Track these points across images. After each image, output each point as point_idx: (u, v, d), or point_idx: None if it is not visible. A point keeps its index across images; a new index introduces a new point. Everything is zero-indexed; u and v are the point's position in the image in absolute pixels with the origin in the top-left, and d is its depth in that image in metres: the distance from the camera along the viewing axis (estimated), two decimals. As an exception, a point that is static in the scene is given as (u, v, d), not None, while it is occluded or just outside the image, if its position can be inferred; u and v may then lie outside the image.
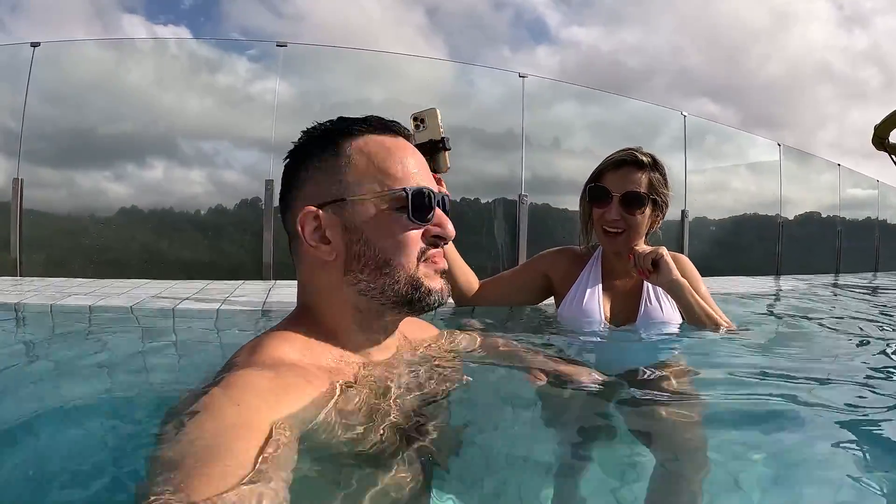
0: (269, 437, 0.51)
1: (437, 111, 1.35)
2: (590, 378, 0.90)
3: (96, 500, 0.57)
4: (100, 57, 4.77)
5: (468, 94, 5.84)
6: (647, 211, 1.42)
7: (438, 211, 0.75)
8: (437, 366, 0.86)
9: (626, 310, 1.47)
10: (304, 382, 0.63)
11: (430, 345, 0.94)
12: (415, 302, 0.74)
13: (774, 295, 3.17)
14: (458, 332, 1.11)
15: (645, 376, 1.02)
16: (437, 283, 0.75)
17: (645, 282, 1.47)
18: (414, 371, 0.81)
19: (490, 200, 5.19)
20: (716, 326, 1.33)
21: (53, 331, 1.71)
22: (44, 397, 0.93)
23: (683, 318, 1.41)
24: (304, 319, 0.76)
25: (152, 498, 0.42)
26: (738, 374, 1.04)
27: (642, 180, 1.40)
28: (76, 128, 4.65)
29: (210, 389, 0.58)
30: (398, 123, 0.79)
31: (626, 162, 1.42)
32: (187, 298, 2.27)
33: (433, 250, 0.75)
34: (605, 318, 1.46)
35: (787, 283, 4.38)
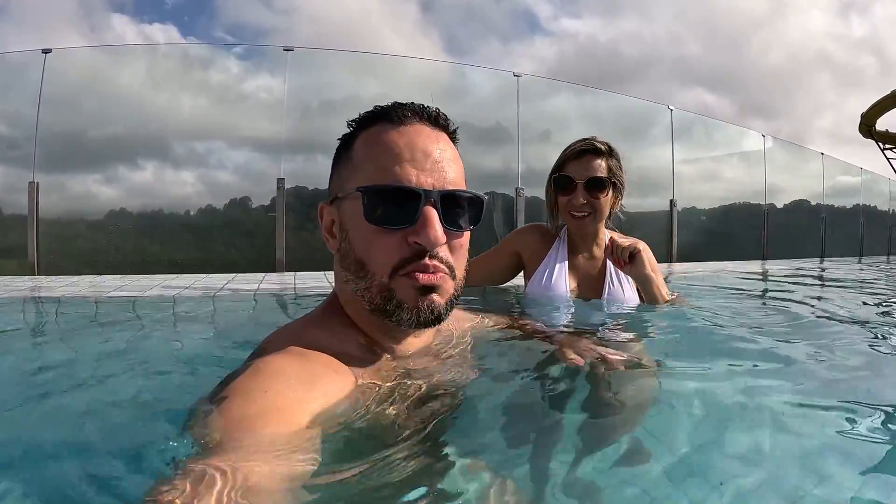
0: (295, 424, 0.51)
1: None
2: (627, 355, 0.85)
3: (117, 483, 0.57)
4: (94, 60, 4.81)
5: (463, 89, 5.91)
6: (609, 194, 1.52)
7: (426, 214, 0.64)
8: (465, 356, 0.82)
9: (590, 289, 1.58)
10: (331, 371, 0.62)
11: (462, 333, 0.89)
12: (388, 313, 0.66)
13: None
14: (483, 316, 1.04)
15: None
16: (412, 300, 0.65)
17: (608, 265, 1.58)
18: (441, 361, 0.77)
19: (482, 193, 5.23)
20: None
21: (97, 319, 1.78)
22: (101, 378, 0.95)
23: (642, 301, 1.54)
24: (334, 308, 0.73)
25: (176, 476, 0.42)
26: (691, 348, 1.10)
27: (602, 166, 1.50)
28: (80, 131, 4.72)
29: (239, 375, 0.57)
30: (410, 105, 0.69)
31: (587, 151, 1.52)
32: (221, 289, 2.42)
33: (413, 264, 0.64)
34: (571, 295, 1.56)
35: (757, 267, 4.51)
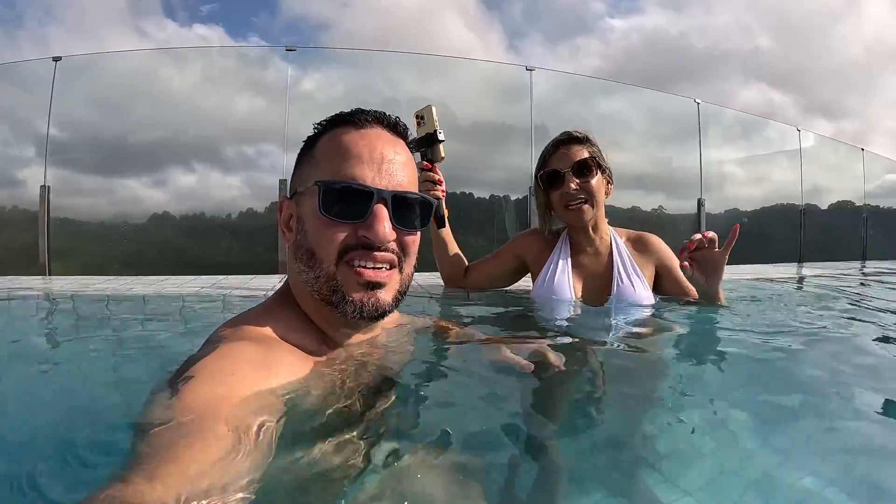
0: (260, 407, 0.53)
1: (433, 107, 1.45)
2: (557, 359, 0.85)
3: (91, 453, 0.60)
4: (142, 64, 4.98)
5: (481, 88, 5.85)
6: (598, 176, 1.49)
7: (376, 211, 0.69)
8: (405, 348, 0.88)
9: (597, 288, 1.52)
10: (291, 358, 0.65)
11: (403, 330, 0.95)
12: (334, 304, 0.71)
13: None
14: (418, 316, 1.11)
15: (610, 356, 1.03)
16: (357, 294, 0.70)
17: (616, 260, 1.50)
18: (386, 354, 0.81)
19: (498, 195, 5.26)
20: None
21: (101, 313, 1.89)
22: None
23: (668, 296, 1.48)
24: (286, 301, 0.77)
25: (140, 456, 0.43)
26: (708, 356, 1.07)
27: (583, 152, 1.48)
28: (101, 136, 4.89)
29: (204, 358, 0.58)
30: (372, 112, 0.75)
31: (564, 141, 1.51)
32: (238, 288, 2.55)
33: (357, 252, 0.70)
34: (576, 297, 1.50)
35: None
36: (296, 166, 0.78)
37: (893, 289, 2.59)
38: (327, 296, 0.71)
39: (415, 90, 5.50)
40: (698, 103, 6.14)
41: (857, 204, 8.08)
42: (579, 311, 1.46)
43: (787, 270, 4.10)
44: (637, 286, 1.48)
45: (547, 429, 0.73)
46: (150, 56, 5.15)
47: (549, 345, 0.91)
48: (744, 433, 0.70)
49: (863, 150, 7.95)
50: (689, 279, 1.40)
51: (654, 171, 6.33)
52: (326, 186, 0.68)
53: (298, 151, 0.80)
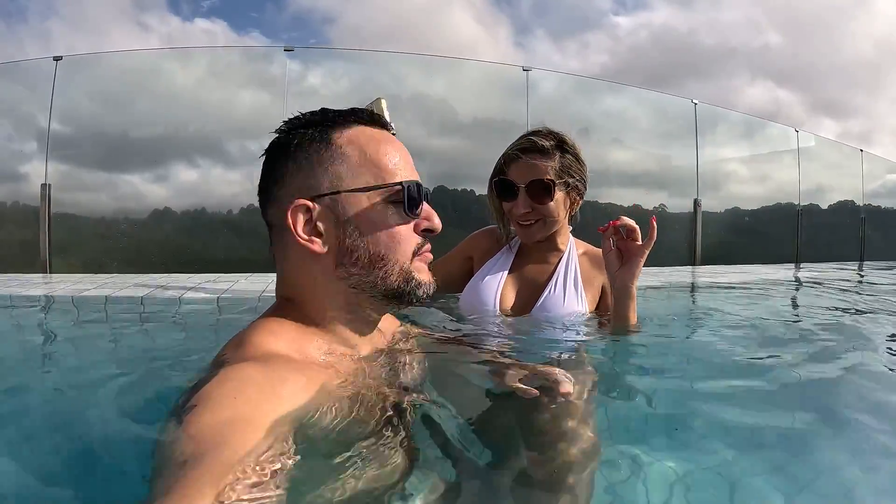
0: (267, 429, 0.51)
1: (383, 100, 1.35)
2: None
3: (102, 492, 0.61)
4: (141, 62, 5.00)
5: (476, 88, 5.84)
6: (560, 196, 1.32)
7: (425, 204, 0.75)
8: (411, 355, 0.88)
9: (526, 298, 1.38)
10: (297, 374, 0.63)
11: (400, 336, 0.95)
12: (405, 295, 0.74)
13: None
14: (412, 326, 1.08)
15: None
16: (426, 276, 0.76)
17: (559, 269, 1.38)
18: (394, 360, 0.81)
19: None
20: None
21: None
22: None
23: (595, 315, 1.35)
24: (288, 313, 0.74)
25: (154, 495, 0.42)
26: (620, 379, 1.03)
27: (548, 167, 1.30)
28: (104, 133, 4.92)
29: (206, 384, 0.57)
30: (383, 117, 0.78)
31: (528, 150, 1.32)
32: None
33: (425, 245, 0.76)
34: (501, 306, 1.36)
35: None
36: (306, 166, 0.72)
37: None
38: (399, 288, 0.74)
39: (418, 86, 5.53)
40: (695, 103, 6.15)
41: (859, 204, 8.10)
42: (491, 321, 1.33)
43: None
44: (569, 298, 1.34)
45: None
46: (151, 51, 5.17)
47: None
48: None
49: (861, 150, 7.97)
50: (606, 262, 1.23)
51: (655, 169, 6.36)
52: (410, 187, 0.72)
53: (296, 151, 0.73)
